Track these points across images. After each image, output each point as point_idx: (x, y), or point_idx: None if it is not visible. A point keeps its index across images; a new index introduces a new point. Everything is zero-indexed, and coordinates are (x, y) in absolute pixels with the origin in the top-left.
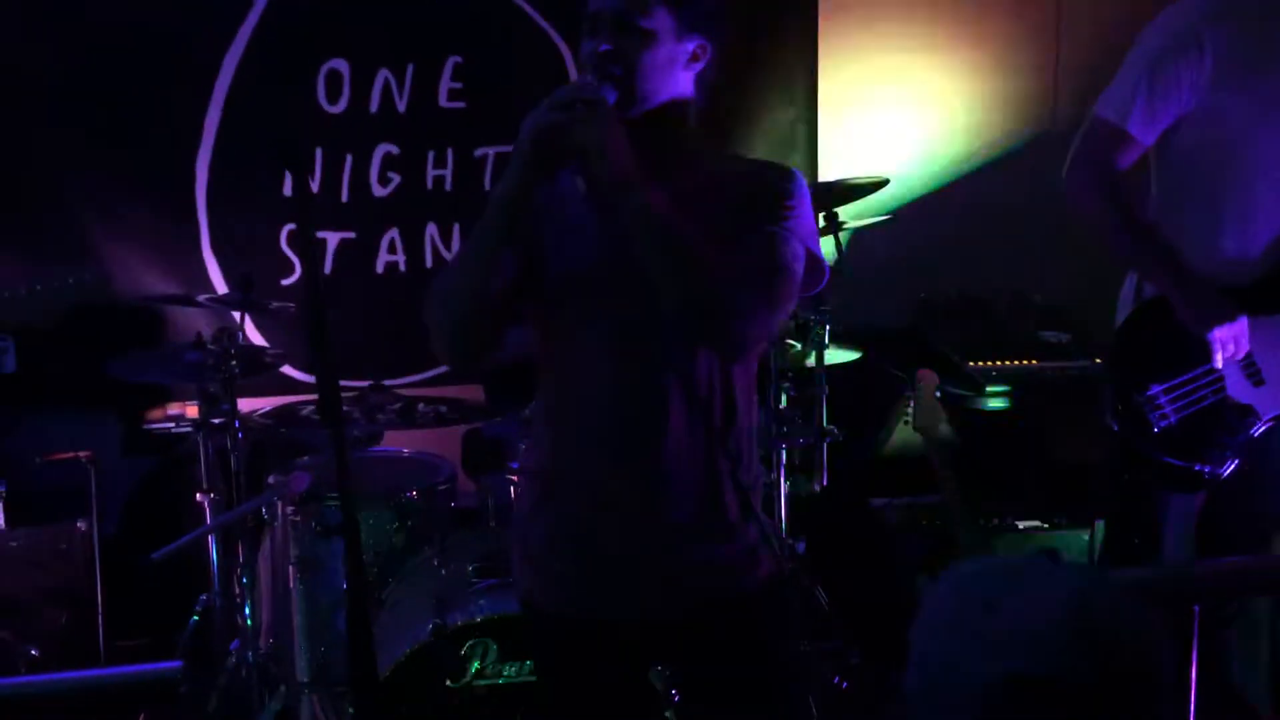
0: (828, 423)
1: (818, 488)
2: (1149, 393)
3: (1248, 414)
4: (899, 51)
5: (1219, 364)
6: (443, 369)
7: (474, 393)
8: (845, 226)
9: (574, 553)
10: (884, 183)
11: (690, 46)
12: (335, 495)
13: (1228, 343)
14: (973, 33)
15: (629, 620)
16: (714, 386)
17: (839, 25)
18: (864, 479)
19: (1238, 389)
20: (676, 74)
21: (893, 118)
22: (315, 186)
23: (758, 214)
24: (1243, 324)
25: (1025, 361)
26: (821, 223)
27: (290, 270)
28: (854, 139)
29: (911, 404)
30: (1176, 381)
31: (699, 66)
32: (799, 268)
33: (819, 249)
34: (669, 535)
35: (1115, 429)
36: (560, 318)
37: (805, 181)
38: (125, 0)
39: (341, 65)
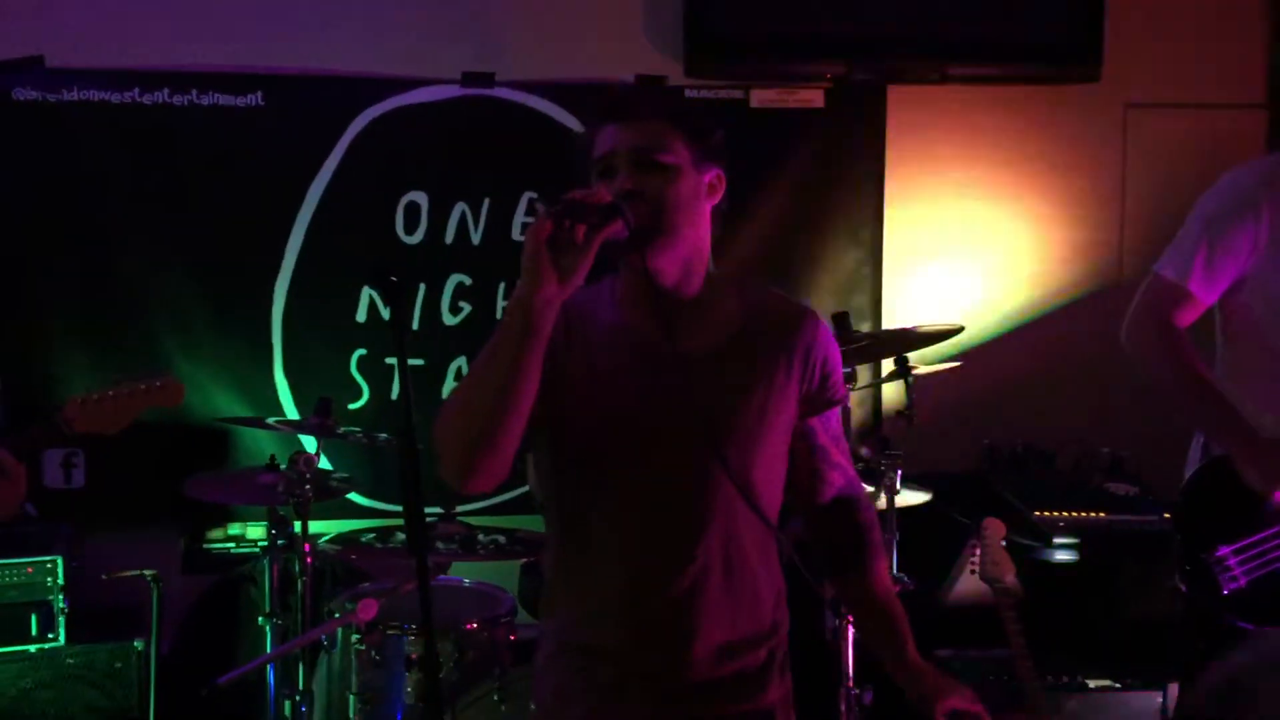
0: (897, 570)
1: None
2: (1217, 554)
3: None
4: (964, 199)
5: None
6: (503, 497)
7: (535, 523)
8: (914, 371)
9: (587, 712)
10: (958, 330)
11: (707, 178)
12: (399, 624)
13: None
14: (1039, 184)
15: None
16: (747, 547)
17: (904, 171)
18: (931, 628)
19: None
20: (700, 206)
21: (958, 263)
22: (388, 314)
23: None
24: None
25: (1093, 514)
26: (892, 367)
27: (358, 395)
28: (919, 283)
29: (978, 552)
30: (1245, 543)
31: (717, 198)
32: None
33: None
34: (692, 694)
35: (1184, 589)
36: (583, 470)
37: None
38: (218, 125)
39: (420, 197)
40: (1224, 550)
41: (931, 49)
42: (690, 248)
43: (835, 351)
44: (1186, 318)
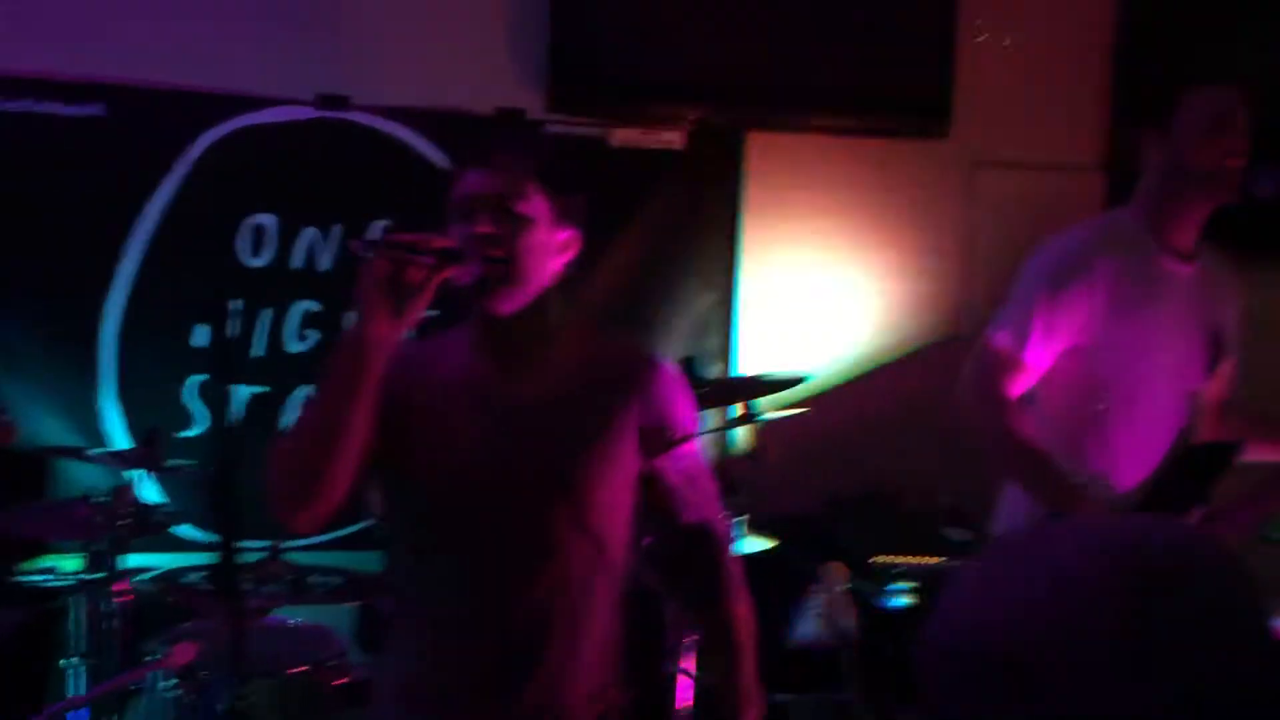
0: None
1: None
2: None
3: None
4: (818, 247)
5: None
6: (340, 532)
7: (370, 560)
8: (760, 416)
9: None
10: (801, 380)
11: (562, 237)
12: (218, 669)
13: None
14: (890, 236)
15: None
16: (588, 596)
17: (761, 216)
18: (771, 673)
19: None
20: (550, 261)
21: (810, 310)
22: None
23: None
24: None
25: (930, 559)
26: (739, 412)
27: (191, 423)
28: (771, 327)
29: (819, 597)
30: None
31: (568, 257)
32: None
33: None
34: None
35: None
36: (423, 515)
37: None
38: (55, 134)
39: (268, 220)
40: None
41: (792, 97)
42: (537, 298)
43: (679, 393)
44: (1018, 387)
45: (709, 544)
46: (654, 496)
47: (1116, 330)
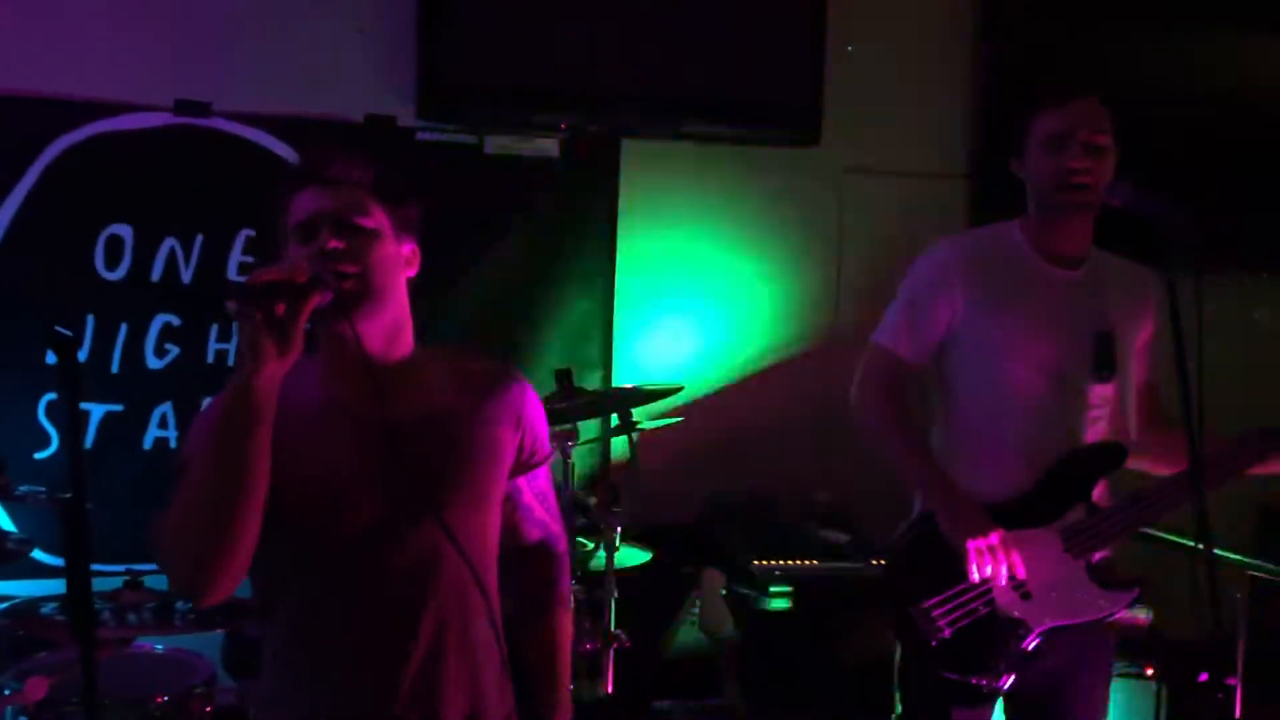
0: (615, 626)
1: (602, 694)
2: (924, 605)
3: (1019, 627)
4: (693, 254)
5: (974, 577)
6: None
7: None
8: (638, 426)
9: None
10: (678, 389)
11: (405, 249)
12: (76, 702)
13: (984, 555)
14: (763, 242)
15: None
16: (480, 616)
17: (637, 224)
18: (650, 681)
19: (1007, 602)
20: (399, 273)
21: (686, 317)
22: (84, 355)
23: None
24: (997, 536)
25: (807, 561)
26: (615, 422)
27: (46, 443)
28: (648, 334)
29: (698, 603)
30: (948, 594)
31: (413, 271)
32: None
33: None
34: None
35: (897, 641)
36: (298, 547)
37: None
38: None
39: (124, 231)
40: (929, 602)
41: (665, 106)
42: (394, 314)
43: (541, 412)
44: (902, 376)
45: (551, 560)
46: (505, 511)
47: (983, 323)
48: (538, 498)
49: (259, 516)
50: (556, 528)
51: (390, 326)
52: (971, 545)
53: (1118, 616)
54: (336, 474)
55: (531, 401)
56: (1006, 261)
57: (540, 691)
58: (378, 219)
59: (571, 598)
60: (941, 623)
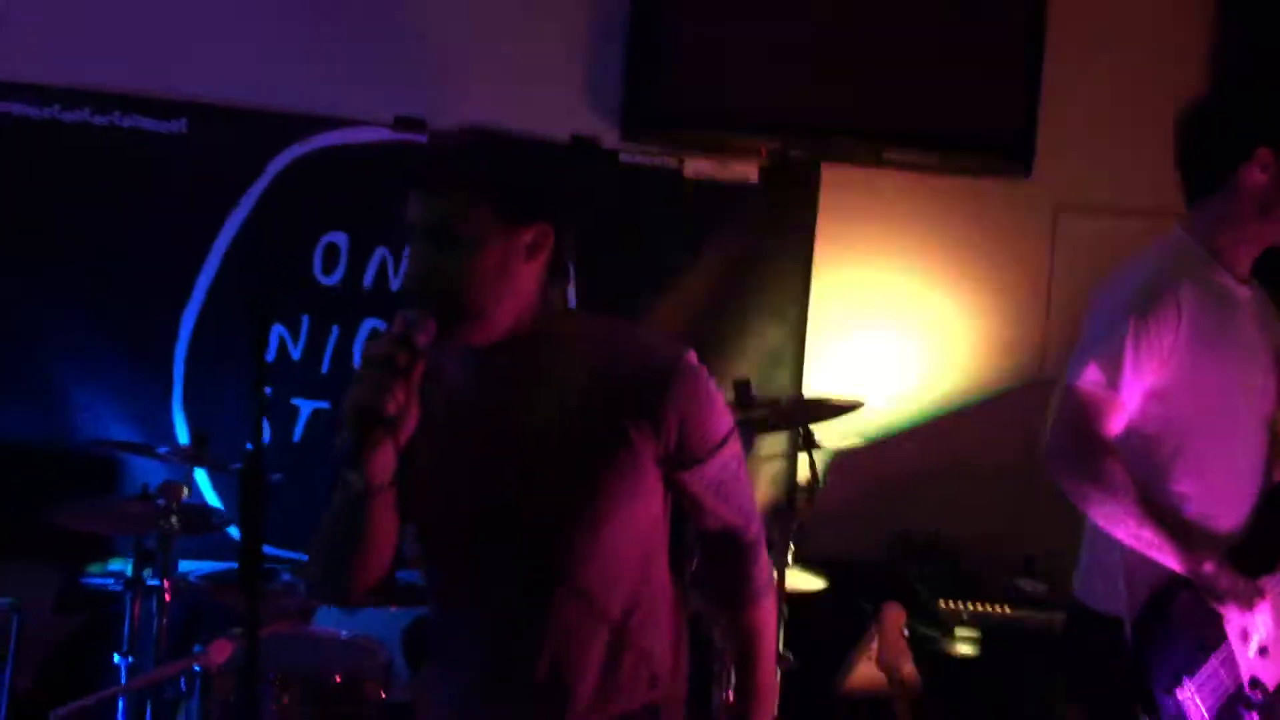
0: (784, 648)
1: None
2: (1181, 692)
3: (1257, 688)
4: (891, 284)
5: (1245, 650)
6: None
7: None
8: (820, 446)
9: None
10: (858, 405)
11: (525, 238)
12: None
13: (1242, 610)
14: (966, 275)
15: None
16: (610, 620)
17: (834, 250)
18: (822, 714)
19: (1248, 665)
20: (516, 271)
21: (881, 347)
22: (297, 354)
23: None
24: (1251, 586)
25: (998, 608)
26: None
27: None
28: (841, 363)
29: (876, 639)
30: (1202, 672)
31: (542, 255)
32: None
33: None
34: None
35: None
36: (430, 545)
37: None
38: (138, 149)
39: (341, 239)
40: (1188, 685)
41: (868, 132)
42: (513, 315)
43: (699, 404)
44: (1115, 426)
45: (733, 554)
46: (684, 503)
47: (1199, 361)
48: (709, 490)
49: (384, 557)
50: (736, 519)
51: (509, 328)
52: (1231, 603)
53: None
54: (454, 482)
55: (683, 395)
56: (1207, 280)
57: (738, 688)
58: (478, 222)
59: (771, 587)
60: (1205, 705)
